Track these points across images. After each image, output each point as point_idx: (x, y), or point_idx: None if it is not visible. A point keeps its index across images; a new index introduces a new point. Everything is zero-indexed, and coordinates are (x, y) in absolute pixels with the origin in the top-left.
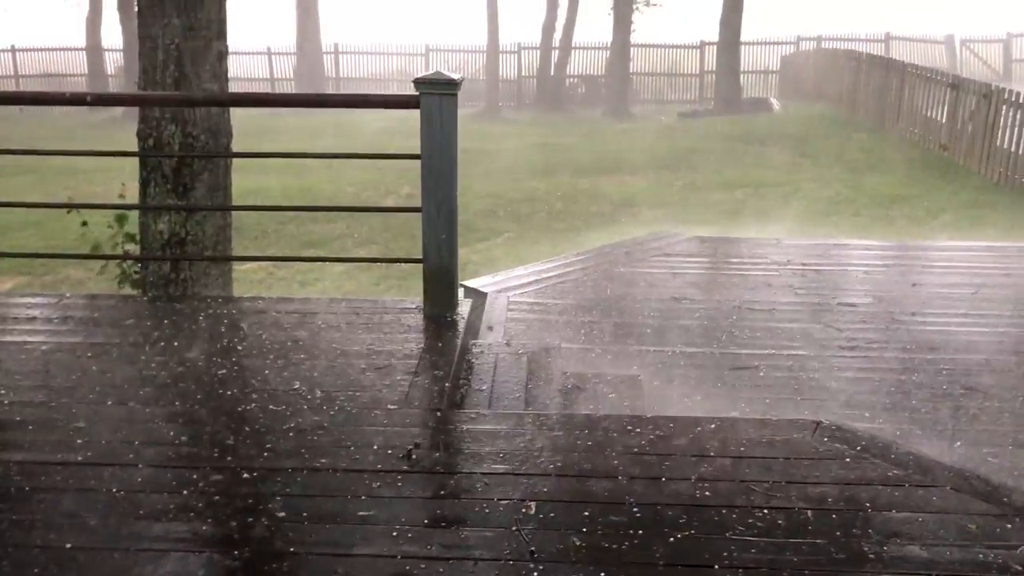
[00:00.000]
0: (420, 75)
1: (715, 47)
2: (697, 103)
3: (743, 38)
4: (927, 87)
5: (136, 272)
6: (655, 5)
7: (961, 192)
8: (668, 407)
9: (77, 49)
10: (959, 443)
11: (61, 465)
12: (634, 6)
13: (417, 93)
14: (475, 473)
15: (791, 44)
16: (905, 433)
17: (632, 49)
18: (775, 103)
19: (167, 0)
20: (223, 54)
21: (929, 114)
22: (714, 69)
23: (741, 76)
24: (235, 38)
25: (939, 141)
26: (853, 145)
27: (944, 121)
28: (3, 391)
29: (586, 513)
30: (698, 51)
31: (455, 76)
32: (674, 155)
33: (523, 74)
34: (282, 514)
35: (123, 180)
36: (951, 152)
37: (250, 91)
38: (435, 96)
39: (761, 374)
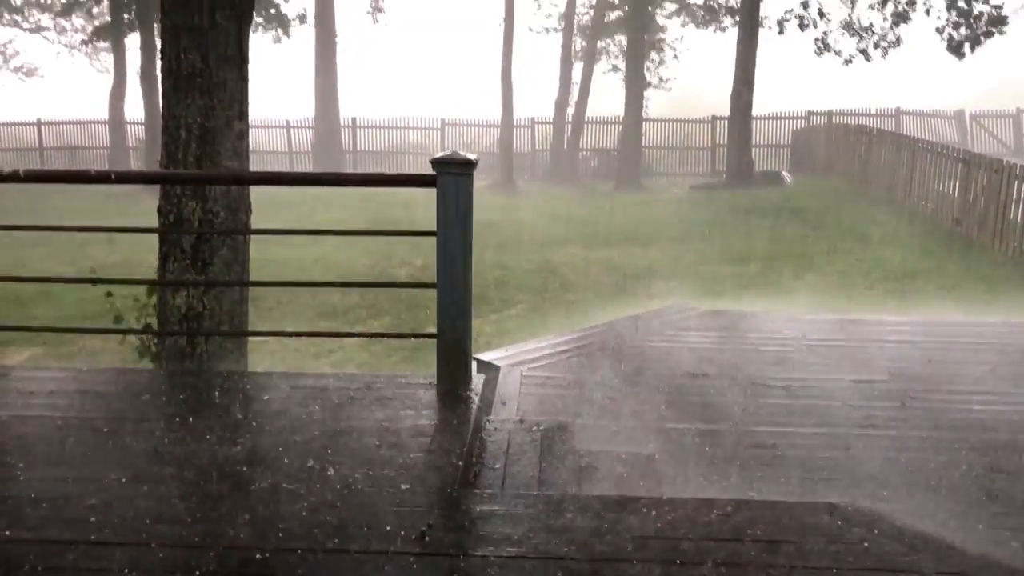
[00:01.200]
0: (437, 155)
1: (726, 121)
2: (709, 176)
3: (754, 112)
4: (939, 162)
5: (154, 345)
6: (667, 81)
7: (975, 266)
8: (683, 487)
9: (100, 122)
10: (980, 525)
11: (74, 544)
12: (646, 82)
13: (434, 172)
14: (488, 556)
15: (802, 119)
16: (924, 515)
17: (644, 123)
18: (787, 177)
19: (192, 82)
20: (243, 133)
21: (941, 189)
22: (725, 143)
23: (752, 150)
24: (255, 110)
25: (952, 215)
26: (865, 219)
27: (956, 196)
28: (19, 466)
29: None
30: (709, 125)
31: (471, 156)
32: (686, 227)
33: (537, 147)
34: None
35: (143, 251)
36: (964, 227)
37: (269, 169)
38: (451, 176)
39: (778, 453)
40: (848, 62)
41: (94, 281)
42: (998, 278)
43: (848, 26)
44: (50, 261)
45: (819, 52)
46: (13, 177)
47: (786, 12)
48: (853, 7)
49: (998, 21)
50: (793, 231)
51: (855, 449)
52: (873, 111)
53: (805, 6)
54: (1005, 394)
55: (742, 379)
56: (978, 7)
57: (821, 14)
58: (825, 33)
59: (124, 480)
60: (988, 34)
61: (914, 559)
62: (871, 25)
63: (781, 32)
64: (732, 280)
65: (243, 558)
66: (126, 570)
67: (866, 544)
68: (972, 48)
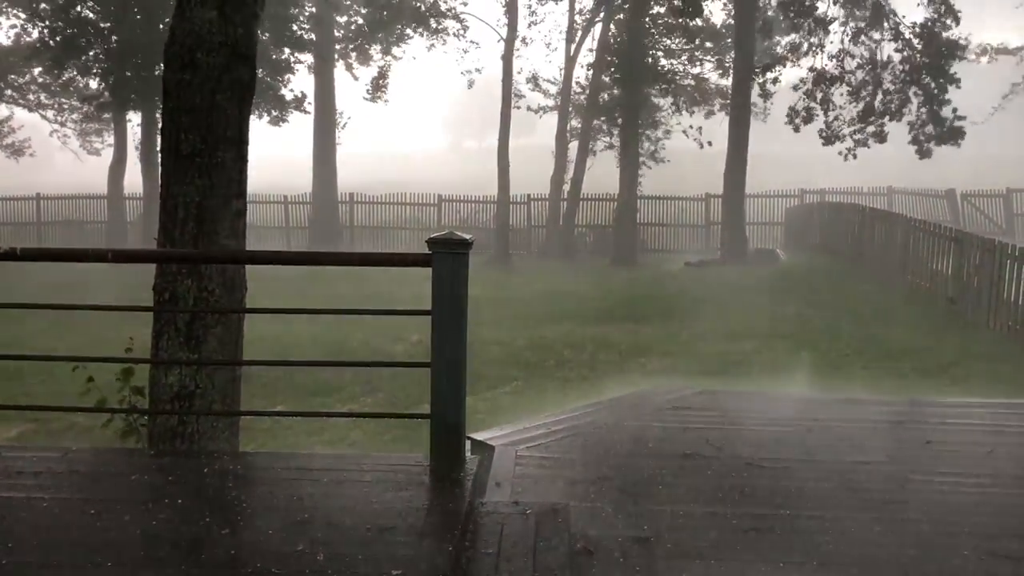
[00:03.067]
0: (433, 235)
1: (720, 199)
2: (704, 253)
3: (747, 190)
4: (932, 240)
5: (143, 425)
6: (661, 160)
7: (970, 345)
8: (680, 573)
9: (99, 197)
10: None
11: None
12: (641, 160)
13: (430, 252)
14: None
15: (795, 197)
16: None
17: (639, 200)
18: (781, 254)
19: (191, 162)
20: (241, 211)
21: (935, 267)
22: (719, 220)
23: (746, 227)
24: (252, 185)
25: (946, 294)
26: (860, 297)
27: (950, 274)
28: (2, 551)
29: None
30: (703, 203)
31: (466, 236)
32: (681, 304)
33: (533, 223)
34: None
35: (137, 325)
36: (958, 305)
37: (267, 244)
38: (447, 255)
39: (776, 535)
40: (850, 154)
41: (84, 359)
42: (994, 356)
43: (830, 125)
44: (44, 336)
45: (827, 142)
46: (10, 255)
47: (789, 108)
48: (829, 109)
49: (956, 134)
50: (788, 309)
51: (852, 533)
52: (865, 190)
53: (806, 107)
54: (1006, 478)
55: (739, 460)
56: (943, 113)
57: (810, 111)
58: (827, 124)
59: (110, 564)
60: (950, 139)
61: None
62: (855, 121)
63: (764, 120)
64: (728, 358)
65: None
66: None
67: None
68: (939, 143)
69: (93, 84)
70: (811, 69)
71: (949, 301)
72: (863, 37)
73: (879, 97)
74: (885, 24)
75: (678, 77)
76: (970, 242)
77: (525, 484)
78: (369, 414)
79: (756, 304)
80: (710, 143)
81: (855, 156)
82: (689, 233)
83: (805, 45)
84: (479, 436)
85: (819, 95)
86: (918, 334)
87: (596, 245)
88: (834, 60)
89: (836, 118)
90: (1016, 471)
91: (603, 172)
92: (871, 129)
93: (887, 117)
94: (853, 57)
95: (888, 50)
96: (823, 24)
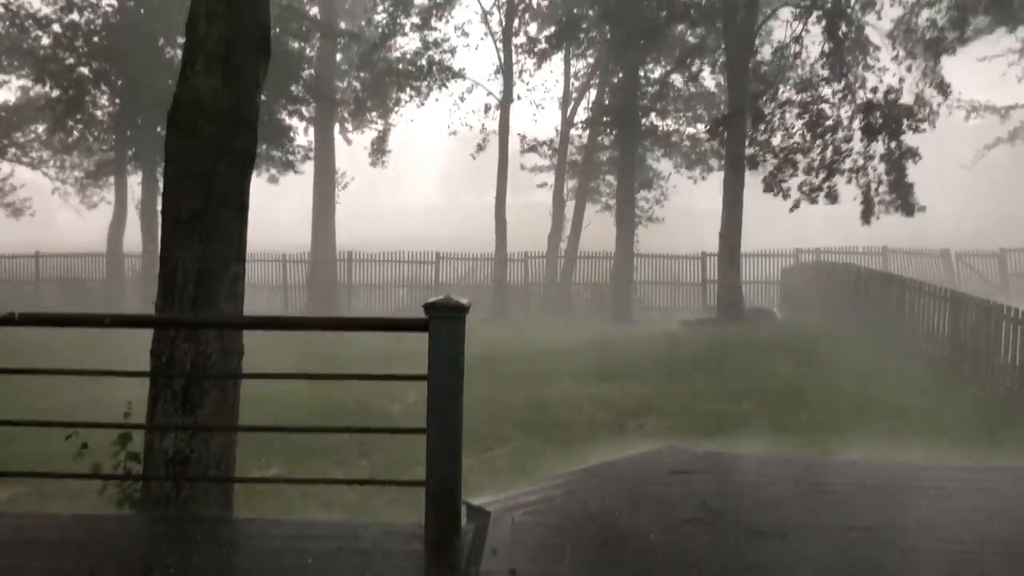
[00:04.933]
0: (430, 299)
1: (716, 258)
2: (700, 311)
3: (744, 249)
4: (928, 301)
5: (136, 491)
6: (656, 219)
7: (968, 406)
8: None
9: (98, 255)
10: None
11: None
12: (636, 219)
13: (426, 316)
14: None
15: (790, 256)
16: None
17: (635, 259)
18: (777, 313)
19: (192, 226)
20: (239, 275)
21: (931, 328)
22: (716, 279)
23: (743, 286)
24: (251, 243)
25: (943, 354)
26: (857, 356)
27: (946, 334)
28: None
29: None
30: (700, 261)
31: (463, 301)
32: (679, 363)
33: (530, 281)
34: None
35: (134, 386)
36: (955, 365)
37: (264, 302)
38: (444, 320)
39: None
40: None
41: (79, 425)
42: (992, 418)
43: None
44: (39, 397)
45: (766, 190)
46: (8, 320)
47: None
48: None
49: (909, 207)
50: (785, 368)
51: None
52: (860, 249)
53: (751, 155)
54: (1007, 545)
55: (738, 526)
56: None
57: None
58: (771, 174)
59: None
60: (904, 210)
61: None
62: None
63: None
64: (726, 418)
65: None
66: None
67: None
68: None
69: (92, 137)
70: (760, 118)
71: (946, 361)
72: (826, 97)
73: (827, 154)
74: (846, 84)
75: (672, 137)
76: (966, 303)
77: (522, 552)
78: (364, 480)
79: (754, 364)
80: (705, 201)
81: (798, 206)
82: (686, 291)
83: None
84: (475, 501)
85: (763, 141)
86: (915, 395)
87: (593, 303)
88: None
89: (780, 169)
90: (1013, 535)
91: (600, 230)
92: (825, 187)
93: (837, 174)
94: (807, 113)
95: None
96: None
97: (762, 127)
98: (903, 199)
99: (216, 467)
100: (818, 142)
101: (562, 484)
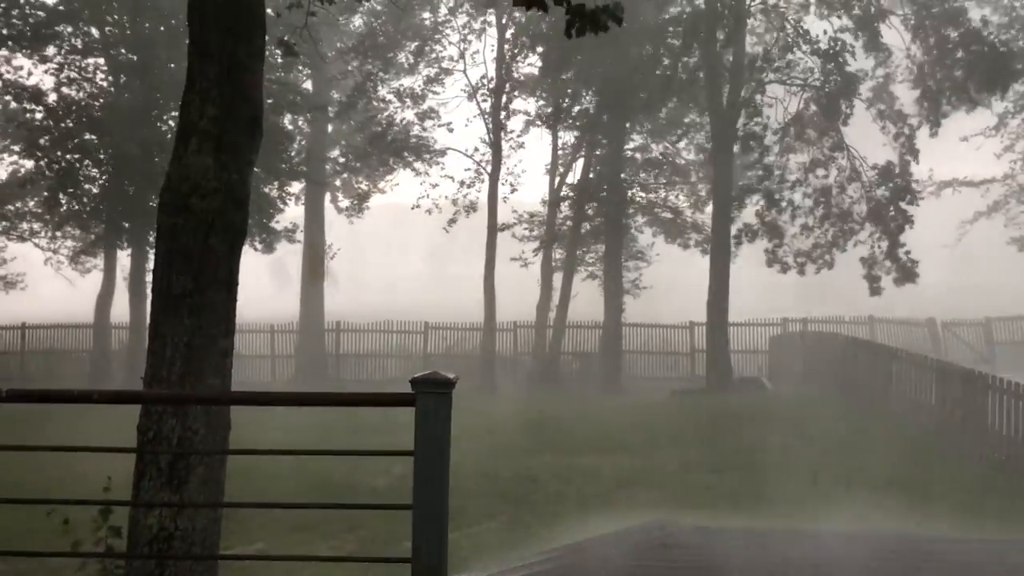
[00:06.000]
0: (416, 375)
1: (704, 327)
2: (689, 380)
3: (732, 318)
4: (915, 371)
5: (119, 567)
6: (645, 288)
7: (955, 475)
8: None
9: (84, 326)
10: None
11: None
12: (624, 289)
13: (413, 392)
14: None
15: (778, 325)
16: None
17: (624, 328)
18: (766, 382)
19: (181, 302)
20: (228, 350)
21: (919, 397)
22: (704, 348)
23: (732, 355)
24: (239, 311)
25: (930, 424)
26: (846, 427)
27: (934, 403)
28: None
29: None
30: (688, 331)
31: (450, 376)
32: (669, 434)
33: (519, 350)
34: None
35: (115, 460)
36: (943, 435)
37: (251, 373)
38: (431, 395)
39: None
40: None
41: (60, 502)
42: (980, 488)
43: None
44: (20, 470)
45: (768, 264)
46: None
47: (739, 229)
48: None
49: (908, 276)
50: (774, 439)
51: None
52: (847, 319)
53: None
54: None
55: None
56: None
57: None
58: (772, 249)
59: None
60: (905, 278)
61: None
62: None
63: (740, 243)
64: (715, 490)
65: None
66: None
67: None
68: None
69: (83, 212)
70: (764, 194)
71: (933, 431)
72: (818, 171)
73: (829, 229)
74: (841, 161)
75: (657, 210)
76: (952, 372)
77: None
78: (349, 558)
79: (743, 434)
80: (692, 271)
81: (802, 274)
82: (674, 360)
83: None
84: None
85: (767, 219)
86: (903, 464)
87: (582, 372)
88: (791, 189)
89: (780, 244)
90: None
91: (589, 299)
92: (825, 259)
93: (836, 248)
94: (806, 184)
95: (843, 184)
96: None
97: (757, 205)
98: (903, 269)
99: (201, 544)
100: (825, 225)
101: (548, 560)
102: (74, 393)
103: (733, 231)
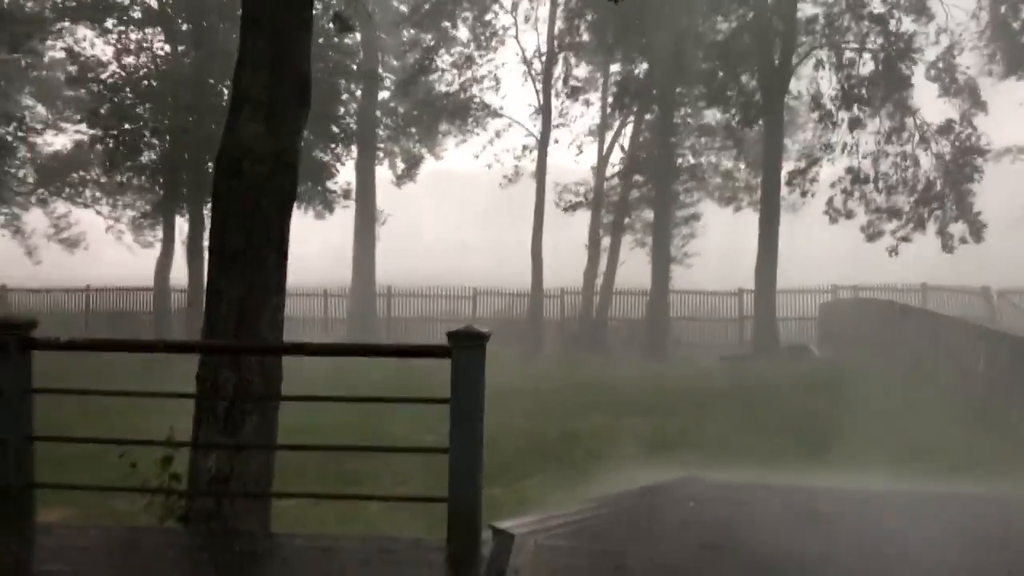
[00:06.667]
0: (452, 328)
1: (752, 294)
2: (736, 348)
3: (780, 285)
4: (964, 338)
5: (180, 507)
6: (693, 255)
7: (1001, 444)
8: None
9: (145, 289)
10: None
11: None
12: (672, 255)
13: (449, 345)
14: None
15: (828, 292)
16: None
17: (671, 295)
18: (814, 349)
19: (235, 261)
20: (279, 306)
21: (968, 365)
22: (752, 315)
23: (780, 323)
24: (293, 276)
25: (979, 391)
26: (892, 394)
27: (982, 371)
28: None
29: None
30: (736, 297)
31: (484, 330)
32: (712, 399)
33: (566, 316)
34: None
35: (176, 415)
36: (990, 402)
37: (305, 336)
38: (466, 348)
39: None
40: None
41: (128, 443)
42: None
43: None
44: (83, 426)
45: (869, 239)
46: (69, 345)
47: (827, 204)
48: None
49: (978, 231)
50: (820, 404)
51: None
52: (899, 286)
53: (845, 205)
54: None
55: (756, 553)
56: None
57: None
58: (869, 223)
59: None
60: (973, 236)
61: None
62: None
63: (796, 211)
64: (757, 452)
65: None
66: None
67: None
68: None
69: (143, 179)
70: (848, 170)
71: (981, 398)
72: (893, 138)
73: (914, 195)
74: (912, 127)
75: (707, 175)
76: (999, 339)
77: (542, 573)
78: (390, 497)
79: (787, 399)
80: (693, 235)
81: (897, 253)
82: (722, 328)
83: (837, 144)
84: (501, 525)
85: (856, 194)
86: (950, 430)
87: (629, 339)
88: (868, 159)
89: (876, 216)
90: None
91: (636, 265)
92: (910, 226)
93: (924, 212)
94: (888, 155)
95: (917, 149)
96: (857, 124)
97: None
98: (973, 226)
99: (255, 487)
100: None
101: (586, 511)
102: (141, 343)
103: (788, 194)
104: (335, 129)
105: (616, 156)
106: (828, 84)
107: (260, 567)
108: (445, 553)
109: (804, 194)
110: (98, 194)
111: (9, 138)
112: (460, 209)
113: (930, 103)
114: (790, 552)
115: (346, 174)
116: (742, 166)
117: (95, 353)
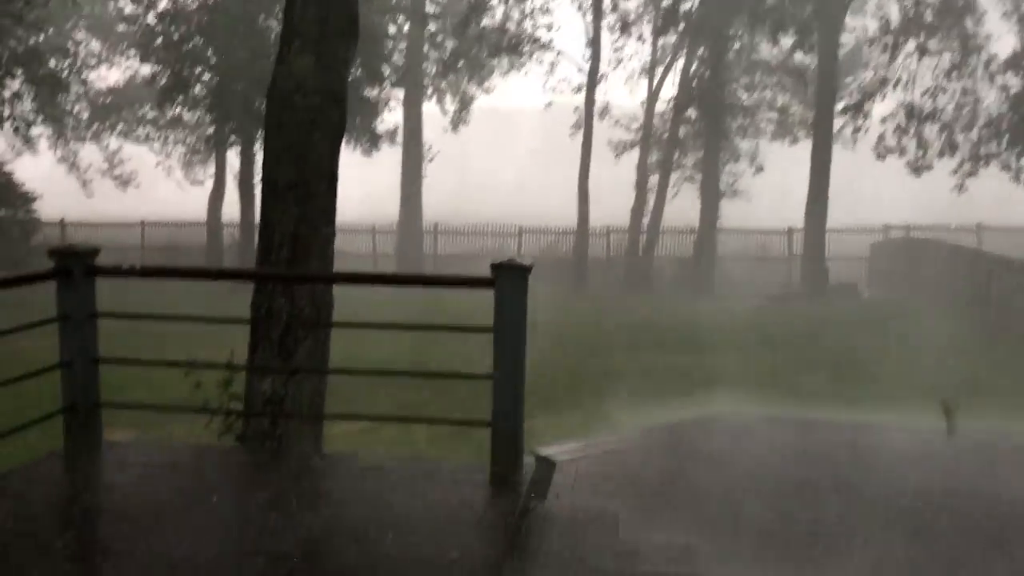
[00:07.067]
0: (497, 260)
1: (802, 233)
2: (785, 287)
3: (832, 225)
4: (1016, 278)
5: (237, 428)
6: (743, 192)
7: None
8: (713, 569)
9: (198, 224)
10: None
11: None
12: (721, 192)
13: (492, 276)
14: None
15: (879, 232)
16: None
17: (719, 233)
18: (863, 289)
19: (287, 193)
20: (330, 238)
21: (1019, 305)
22: (801, 254)
23: (830, 262)
24: (341, 214)
25: None
26: (939, 334)
27: None
28: (114, 523)
29: None
30: (785, 236)
31: (526, 262)
32: (759, 337)
33: (612, 254)
34: None
35: (229, 347)
36: None
37: (350, 270)
38: (509, 278)
39: (815, 548)
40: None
41: (190, 364)
42: None
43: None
44: (144, 352)
45: (917, 175)
46: (133, 272)
47: (878, 141)
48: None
49: None
50: (866, 343)
51: (893, 553)
52: (953, 226)
53: (898, 142)
54: None
55: (788, 481)
56: None
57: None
58: (919, 158)
59: (206, 539)
60: None
61: None
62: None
63: (852, 149)
64: (801, 389)
65: None
66: None
67: None
68: None
69: (196, 118)
70: (904, 105)
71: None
72: (954, 73)
73: (974, 132)
74: (976, 61)
75: (760, 111)
76: None
77: (582, 495)
78: (437, 419)
79: (833, 338)
80: (760, 169)
81: (960, 188)
82: (770, 267)
83: (893, 79)
84: (544, 451)
85: (912, 130)
86: (1000, 372)
87: (675, 277)
88: (926, 95)
89: (930, 154)
90: None
91: (684, 204)
92: (969, 164)
93: (986, 149)
94: (945, 92)
95: (981, 84)
96: (924, 51)
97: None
98: None
99: (308, 409)
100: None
101: (627, 439)
102: (199, 270)
103: (841, 129)
104: (382, 67)
105: (667, 92)
106: (890, 11)
107: (312, 482)
108: (488, 474)
109: (857, 130)
110: (151, 131)
111: (64, 73)
112: (508, 147)
113: (997, 36)
114: (825, 479)
115: (394, 113)
116: (795, 104)
117: (153, 289)
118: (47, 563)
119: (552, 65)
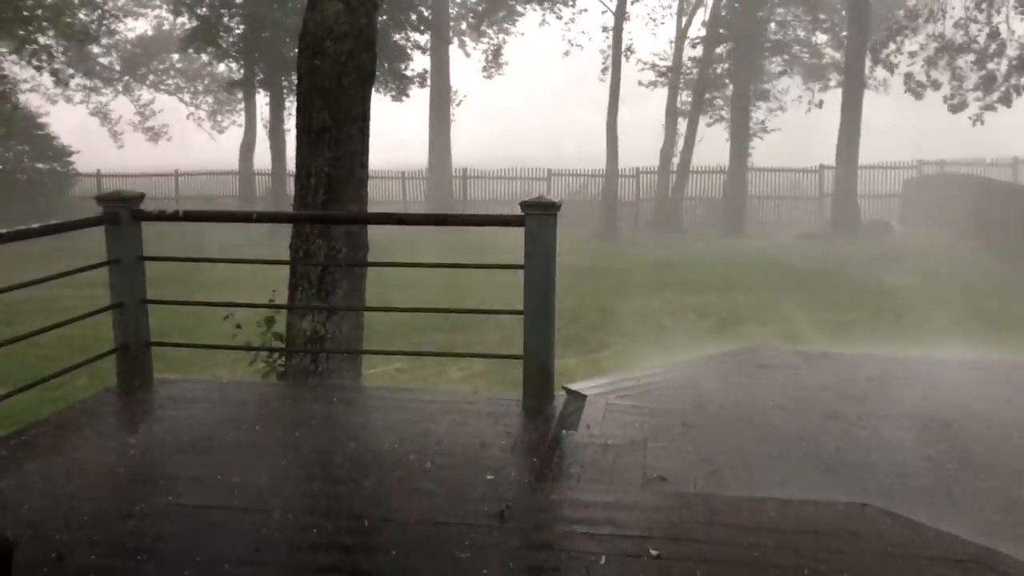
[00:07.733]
0: (526, 199)
1: (833, 171)
2: (816, 225)
3: (864, 162)
4: None
5: (281, 365)
6: (773, 131)
7: None
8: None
9: (231, 173)
10: None
11: (216, 509)
12: (752, 132)
13: (522, 214)
14: (558, 529)
15: (912, 168)
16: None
17: (750, 172)
18: (895, 227)
19: (321, 137)
20: (363, 181)
21: None
22: (832, 192)
23: (862, 200)
24: (373, 161)
25: None
26: (973, 269)
27: None
28: (169, 452)
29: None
30: (817, 174)
31: (555, 200)
32: (788, 275)
33: (641, 196)
34: (394, 552)
35: (269, 293)
36: None
37: (383, 212)
38: (537, 216)
39: (830, 473)
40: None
41: (234, 305)
42: None
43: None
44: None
45: (953, 111)
46: (174, 216)
47: (907, 76)
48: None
49: None
50: (898, 280)
51: (936, 485)
52: (988, 160)
53: (929, 76)
54: None
55: (816, 411)
56: None
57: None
58: (952, 93)
59: (256, 466)
60: None
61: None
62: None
63: (885, 91)
64: (829, 325)
65: (350, 527)
66: (264, 530)
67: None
68: None
69: (224, 68)
70: (933, 37)
71: None
72: (984, 4)
73: (1004, 63)
74: None
75: (792, 48)
76: None
77: (612, 426)
78: (472, 354)
79: (865, 276)
80: (821, 104)
81: (983, 122)
82: (801, 205)
83: (924, 12)
84: (574, 386)
85: (942, 64)
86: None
87: (705, 218)
88: (957, 28)
89: (960, 87)
90: None
91: (713, 144)
92: (997, 95)
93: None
94: (976, 23)
95: (1011, 14)
96: None
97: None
98: None
99: (347, 345)
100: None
101: (656, 374)
102: (236, 214)
103: (873, 66)
104: (409, 12)
105: (695, 31)
106: None
107: (353, 413)
108: (520, 405)
109: (889, 66)
110: (180, 82)
111: (93, 26)
112: (536, 91)
113: None
114: (852, 409)
115: (422, 59)
116: (827, 41)
117: (192, 238)
118: (179, 488)
119: (581, 10)
